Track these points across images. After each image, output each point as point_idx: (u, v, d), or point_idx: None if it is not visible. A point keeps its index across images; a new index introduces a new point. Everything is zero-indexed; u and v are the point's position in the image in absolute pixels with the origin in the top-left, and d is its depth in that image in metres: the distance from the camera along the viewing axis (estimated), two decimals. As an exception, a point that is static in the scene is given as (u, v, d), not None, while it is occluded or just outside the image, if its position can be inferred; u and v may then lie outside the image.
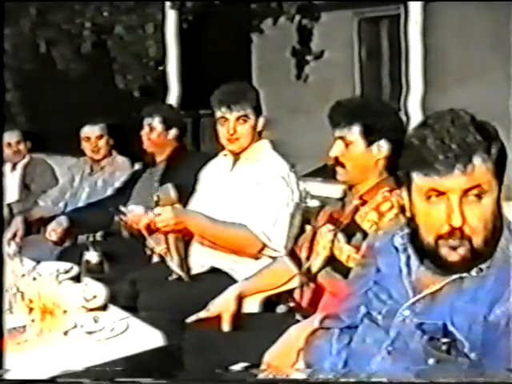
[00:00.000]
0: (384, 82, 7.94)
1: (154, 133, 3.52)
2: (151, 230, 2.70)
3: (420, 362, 1.46)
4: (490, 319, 1.41)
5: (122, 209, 2.91)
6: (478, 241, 1.43)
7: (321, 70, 7.79)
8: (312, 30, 7.71)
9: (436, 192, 1.42)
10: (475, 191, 1.41)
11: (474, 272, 1.45)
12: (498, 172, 1.44)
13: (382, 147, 2.19)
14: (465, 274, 1.46)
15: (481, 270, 1.45)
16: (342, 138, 2.20)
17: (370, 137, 2.19)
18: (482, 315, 1.42)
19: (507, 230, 1.49)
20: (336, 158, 2.22)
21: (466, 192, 1.41)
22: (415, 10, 4.43)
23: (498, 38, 5.56)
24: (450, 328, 1.44)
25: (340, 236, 2.17)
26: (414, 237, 1.52)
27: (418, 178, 1.45)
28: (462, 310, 1.44)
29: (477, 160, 1.40)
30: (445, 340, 1.44)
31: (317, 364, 1.65)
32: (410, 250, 1.56)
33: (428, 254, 1.49)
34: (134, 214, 2.78)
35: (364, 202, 2.17)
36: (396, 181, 2.20)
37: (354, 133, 2.19)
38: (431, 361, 1.45)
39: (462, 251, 1.43)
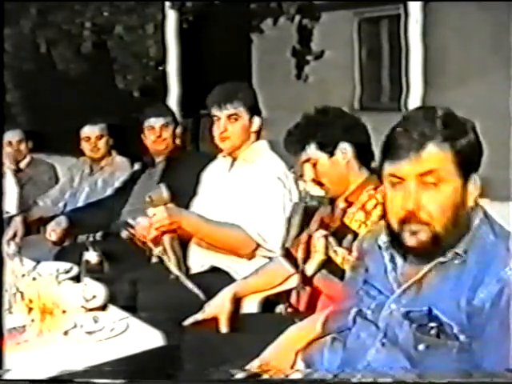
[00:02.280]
0: (384, 82, 7.94)
1: (156, 134, 3.52)
2: (157, 241, 2.70)
3: (411, 350, 1.49)
4: (474, 303, 1.44)
5: (131, 222, 2.90)
6: (437, 226, 1.48)
7: (321, 69, 7.80)
8: (312, 30, 7.72)
9: (397, 178, 1.49)
10: (431, 177, 1.47)
11: (450, 256, 1.49)
12: (463, 163, 1.49)
13: (345, 149, 2.22)
14: (442, 259, 1.50)
15: (458, 254, 1.49)
16: (307, 160, 2.25)
17: (327, 148, 2.23)
18: (464, 300, 1.45)
19: (485, 218, 1.53)
20: (313, 180, 2.25)
21: (421, 177, 1.47)
22: (415, 10, 4.42)
23: (497, 38, 5.57)
24: (435, 312, 1.47)
25: (332, 240, 2.18)
26: (388, 228, 1.57)
27: (385, 166, 1.53)
28: (446, 295, 1.47)
29: (433, 146, 1.47)
30: (432, 324, 1.47)
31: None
32: (393, 247, 1.60)
33: (396, 242, 1.55)
34: (143, 226, 2.76)
35: (350, 204, 2.19)
36: (379, 177, 2.23)
37: (312, 152, 2.24)
38: (421, 346, 1.48)
39: (421, 236, 1.48)
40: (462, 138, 1.49)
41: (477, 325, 1.44)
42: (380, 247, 1.63)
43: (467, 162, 1.50)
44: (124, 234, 3.14)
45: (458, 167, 1.48)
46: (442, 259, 1.50)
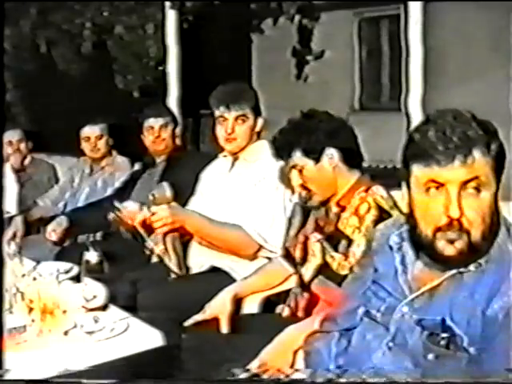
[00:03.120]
0: (384, 82, 7.95)
1: (155, 135, 3.53)
2: (147, 226, 2.69)
3: (420, 358, 1.47)
4: (488, 314, 1.42)
5: (117, 205, 2.90)
6: (476, 235, 1.44)
7: (321, 70, 7.81)
8: (312, 30, 7.72)
9: (435, 183, 1.44)
10: (474, 184, 1.42)
11: (472, 267, 1.46)
12: (497, 169, 1.46)
13: (331, 154, 2.20)
14: (463, 269, 1.47)
15: (480, 264, 1.46)
16: (293, 166, 2.23)
17: (312, 154, 2.20)
18: (480, 310, 1.43)
19: (504, 226, 1.50)
20: (301, 186, 2.24)
21: (464, 184, 1.42)
22: (415, 10, 4.42)
23: (498, 38, 5.57)
24: (449, 323, 1.45)
25: (327, 245, 2.17)
26: (412, 233, 1.53)
27: (417, 170, 1.46)
28: (461, 304, 1.45)
29: (477, 153, 1.42)
30: (444, 335, 1.45)
31: (315, 367, 1.65)
32: (406, 248, 1.57)
33: (425, 249, 1.50)
34: (129, 210, 2.77)
35: (343, 208, 2.17)
36: (371, 176, 2.22)
37: (298, 159, 2.21)
38: (431, 356, 1.46)
39: (458, 245, 1.44)
40: (495, 142, 1.45)
41: (489, 336, 1.41)
42: (391, 248, 1.59)
43: (500, 167, 1.46)
44: (111, 216, 3.14)
45: (494, 172, 1.45)
46: (462, 269, 1.47)
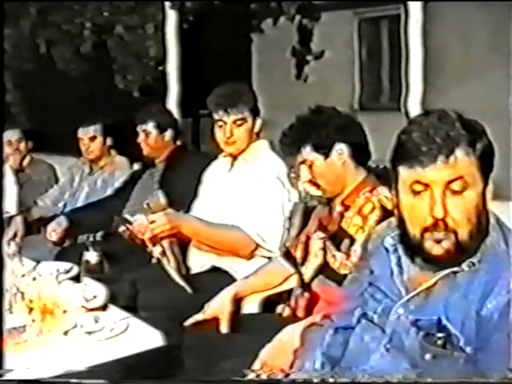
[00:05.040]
0: (384, 81, 7.94)
1: (150, 138, 3.51)
2: (155, 240, 2.69)
3: (417, 358, 1.47)
4: (483, 313, 1.42)
5: (128, 218, 2.90)
6: (462, 234, 1.44)
7: (321, 69, 7.81)
8: (312, 30, 7.73)
9: (420, 184, 1.44)
10: (458, 183, 1.43)
11: (465, 266, 1.46)
12: (484, 168, 1.46)
13: (340, 150, 2.20)
14: (456, 269, 1.47)
15: (473, 264, 1.46)
16: (302, 162, 2.23)
17: (322, 149, 2.20)
18: (474, 309, 1.43)
19: (497, 225, 1.51)
20: (309, 181, 2.24)
21: (448, 184, 1.42)
22: (415, 10, 4.43)
23: (498, 38, 5.58)
24: (445, 322, 1.45)
25: (329, 244, 2.17)
26: (404, 235, 1.53)
27: (403, 172, 1.47)
28: (456, 304, 1.45)
29: (460, 152, 1.42)
30: (440, 335, 1.45)
31: (308, 360, 1.65)
32: (400, 250, 1.57)
33: (415, 250, 1.50)
34: (140, 224, 2.75)
35: (347, 207, 2.18)
36: (377, 177, 2.22)
37: (307, 154, 2.21)
38: (428, 356, 1.45)
39: (445, 244, 1.44)
40: (481, 142, 1.45)
41: (484, 335, 1.41)
42: (387, 250, 1.60)
43: (487, 166, 1.46)
44: (121, 229, 3.13)
45: (480, 172, 1.45)
46: (456, 269, 1.47)
